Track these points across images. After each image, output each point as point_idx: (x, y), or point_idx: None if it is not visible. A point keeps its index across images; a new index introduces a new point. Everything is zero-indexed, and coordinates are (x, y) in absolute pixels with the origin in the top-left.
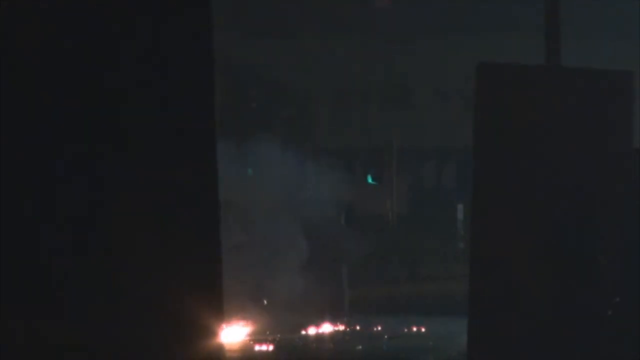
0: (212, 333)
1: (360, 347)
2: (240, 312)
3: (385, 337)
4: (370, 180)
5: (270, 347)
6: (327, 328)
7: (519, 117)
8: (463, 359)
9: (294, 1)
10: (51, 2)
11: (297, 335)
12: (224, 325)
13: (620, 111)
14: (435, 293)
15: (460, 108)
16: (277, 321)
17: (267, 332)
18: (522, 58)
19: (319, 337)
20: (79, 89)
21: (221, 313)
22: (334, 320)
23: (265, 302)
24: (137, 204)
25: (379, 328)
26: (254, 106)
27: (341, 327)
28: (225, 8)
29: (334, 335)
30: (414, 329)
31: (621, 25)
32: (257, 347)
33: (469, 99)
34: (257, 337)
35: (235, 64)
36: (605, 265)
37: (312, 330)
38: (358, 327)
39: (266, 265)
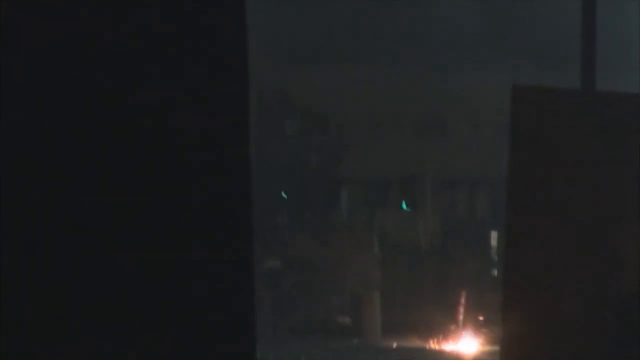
0: (242, 346)
1: None
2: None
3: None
4: (404, 207)
5: None
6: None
7: (555, 142)
8: None
9: (329, 28)
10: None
11: None
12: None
13: None
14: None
15: (494, 137)
16: None
17: None
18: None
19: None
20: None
21: (252, 321)
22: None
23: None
24: (163, 210)
25: (411, 353)
26: (289, 134)
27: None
28: (260, 34)
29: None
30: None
31: None
32: None
33: (503, 127)
34: None
35: (268, 91)
36: None
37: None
38: (389, 352)
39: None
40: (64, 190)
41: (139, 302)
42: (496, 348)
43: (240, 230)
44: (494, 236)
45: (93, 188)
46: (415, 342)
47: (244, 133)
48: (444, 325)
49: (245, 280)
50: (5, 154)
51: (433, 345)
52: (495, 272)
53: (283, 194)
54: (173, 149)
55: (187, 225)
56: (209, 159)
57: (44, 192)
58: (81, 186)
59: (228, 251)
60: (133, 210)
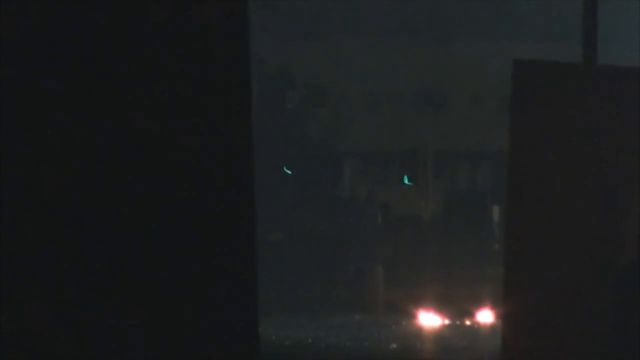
0: (245, 337)
1: (394, 345)
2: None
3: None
4: (406, 180)
5: None
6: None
7: (556, 115)
8: (497, 358)
9: (329, 3)
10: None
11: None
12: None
13: None
14: (469, 294)
15: (495, 110)
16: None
17: None
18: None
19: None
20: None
21: (254, 313)
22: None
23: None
24: (167, 202)
25: (412, 327)
26: (289, 107)
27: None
28: (261, 10)
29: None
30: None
31: None
32: None
33: (504, 101)
34: None
35: (269, 66)
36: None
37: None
38: (391, 326)
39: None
40: (69, 185)
41: (145, 282)
42: (499, 322)
43: (242, 209)
44: (495, 210)
45: (99, 181)
46: (418, 317)
47: (246, 120)
48: (447, 300)
49: (248, 254)
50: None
51: (437, 319)
52: (496, 246)
53: (286, 169)
54: (174, 141)
55: (192, 208)
56: (212, 149)
57: (48, 189)
58: (88, 181)
59: (231, 228)
60: (138, 194)
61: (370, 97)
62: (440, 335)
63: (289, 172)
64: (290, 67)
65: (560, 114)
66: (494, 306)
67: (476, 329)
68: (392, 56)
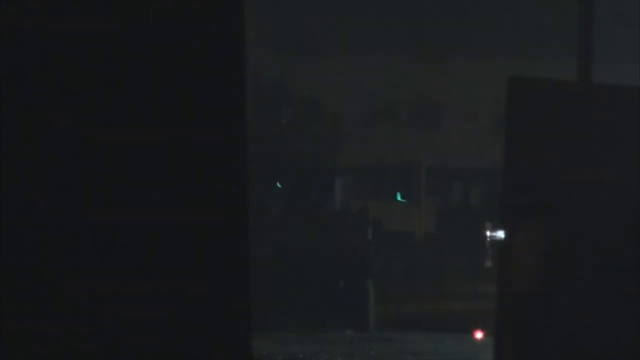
0: (238, 340)
1: None
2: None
3: (411, 356)
4: (399, 197)
5: None
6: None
7: (551, 133)
8: None
9: (325, 19)
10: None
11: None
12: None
13: None
14: (461, 310)
15: (489, 128)
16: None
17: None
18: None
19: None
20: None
21: (247, 317)
22: (358, 334)
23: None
24: (159, 203)
25: (404, 344)
26: (284, 123)
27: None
28: (257, 25)
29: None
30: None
31: None
32: None
33: (498, 119)
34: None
35: (266, 81)
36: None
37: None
38: (383, 343)
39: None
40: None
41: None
42: (492, 339)
43: (236, 221)
44: (488, 227)
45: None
46: (409, 332)
47: (242, 127)
48: (440, 315)
49: (239, 270)
50: (6, 154)
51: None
52: (489, 263)
53: (278, 184)
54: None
55: (185, 216)
56: (207, 151)
57: (50, 186)
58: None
59: (223, 241)
60: (134, 193)
61: (364, 113)
62: (432, 352)
63: (279, 186)
64: (285, 82)
65: (554, 132)
66: (488, 322)
67: (469, 345)
68: (387, 73)
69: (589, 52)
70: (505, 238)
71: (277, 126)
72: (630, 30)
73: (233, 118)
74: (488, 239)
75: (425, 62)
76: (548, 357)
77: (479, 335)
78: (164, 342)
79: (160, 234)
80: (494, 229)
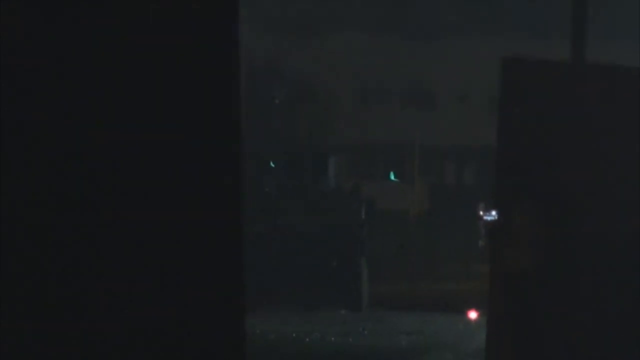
0: (232, 331)
1: (378, 342)
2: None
3: (404, 333)
4: (392, 177)
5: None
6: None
7: (544, 113)
8: (482, 355)
9: (318, 0)
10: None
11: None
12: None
13: None
14: (454, 290)
15: (483, 109)
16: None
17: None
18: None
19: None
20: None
21: (241, 291)
22: (351, 314)
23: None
24: (152, 202)
25: (397, 324)
26: (277, 102)
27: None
28: (250, 5)
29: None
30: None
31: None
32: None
33: (491, 99)
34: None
35: (258, 61)
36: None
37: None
38: (376, 322)
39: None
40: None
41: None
42: (485, 319)
43: (229, 200)
44: (481, 207)
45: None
46: (403, 313)
47: (235, 115)
48: (432, 295)
49: (234, 249)
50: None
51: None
52: (482, 243)
53: (271, 163)
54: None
55: (180, 200)
56: (199, 141)
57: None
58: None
59: (217, 220)
60: (123, 193)
61: (357, 93)
62: (425, 331)
63: (273, 165)
64: (278, 62)
65: (548, 112)
66: (481, 303)
67: (462, 325)
68: (380, 52)
69: (583, 32)
70: (499, 218)
71: (270, 106)
72: (622, 7)
73: (227, 119)
74: (481, 219)
75: (419, 42)
76: (541, 338)
77: (472, 315)
78: (158, 326)
79: (155, 230)
80: (487, 209)
